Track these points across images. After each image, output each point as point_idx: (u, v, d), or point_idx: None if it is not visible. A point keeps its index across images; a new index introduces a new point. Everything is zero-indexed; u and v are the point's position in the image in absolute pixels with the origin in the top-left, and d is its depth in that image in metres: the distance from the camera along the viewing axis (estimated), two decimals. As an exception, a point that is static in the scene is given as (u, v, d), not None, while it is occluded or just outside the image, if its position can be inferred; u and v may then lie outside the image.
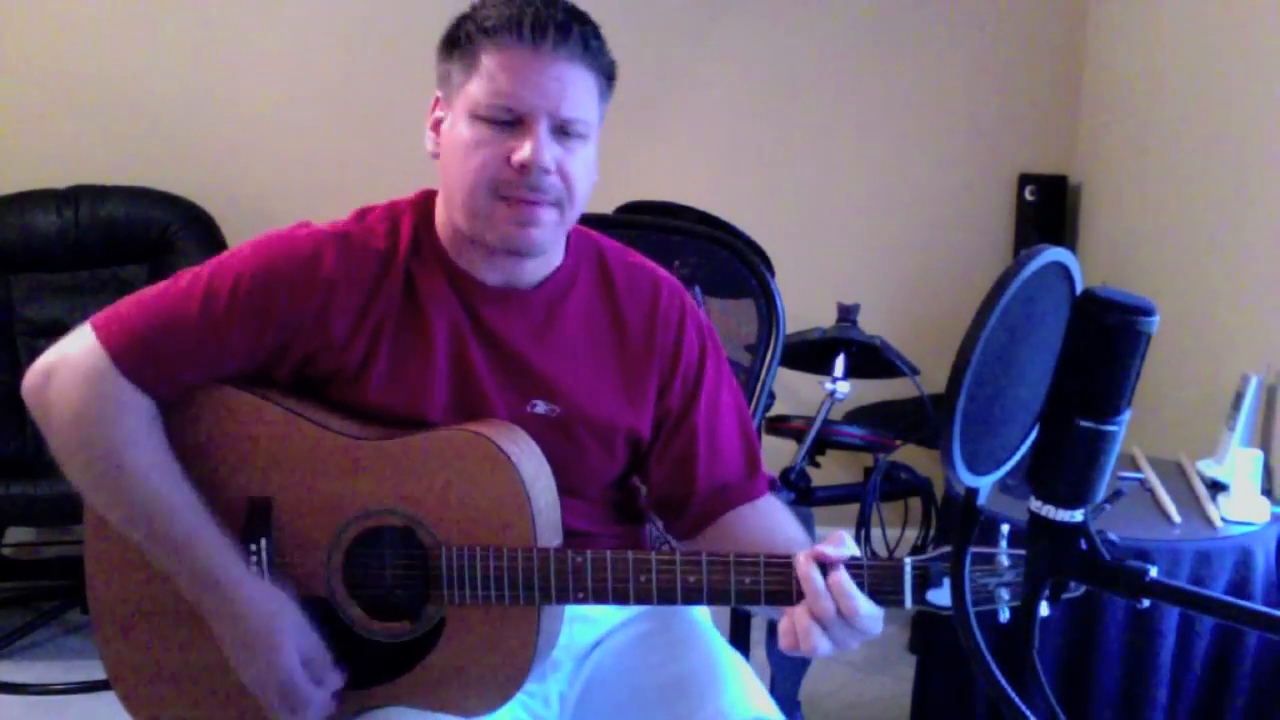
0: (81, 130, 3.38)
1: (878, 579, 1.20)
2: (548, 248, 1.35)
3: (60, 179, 3.20)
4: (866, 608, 1.18)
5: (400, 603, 1.31)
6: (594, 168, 1.35)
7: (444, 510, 1.29)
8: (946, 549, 1.19)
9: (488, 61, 1.27)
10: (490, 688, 1.30)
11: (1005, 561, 1.19)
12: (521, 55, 1.26)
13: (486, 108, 1.27)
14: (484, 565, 1.26)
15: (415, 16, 3.19)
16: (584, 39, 1.28)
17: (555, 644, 1.35)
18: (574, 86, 1.28)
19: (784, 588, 1.22)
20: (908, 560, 1.20)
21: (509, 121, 1.27)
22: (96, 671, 2.53)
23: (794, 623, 1.19)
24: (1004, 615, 1.19)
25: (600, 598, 1.27)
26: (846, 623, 1.18)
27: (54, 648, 2.95)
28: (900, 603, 1.19)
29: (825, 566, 1.19)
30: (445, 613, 1.30)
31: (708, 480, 1.42)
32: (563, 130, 1.29)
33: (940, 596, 1.19)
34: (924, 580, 1.20)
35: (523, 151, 1.26)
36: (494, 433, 1.30)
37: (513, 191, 1.28)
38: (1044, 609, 1.09)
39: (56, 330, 1.38)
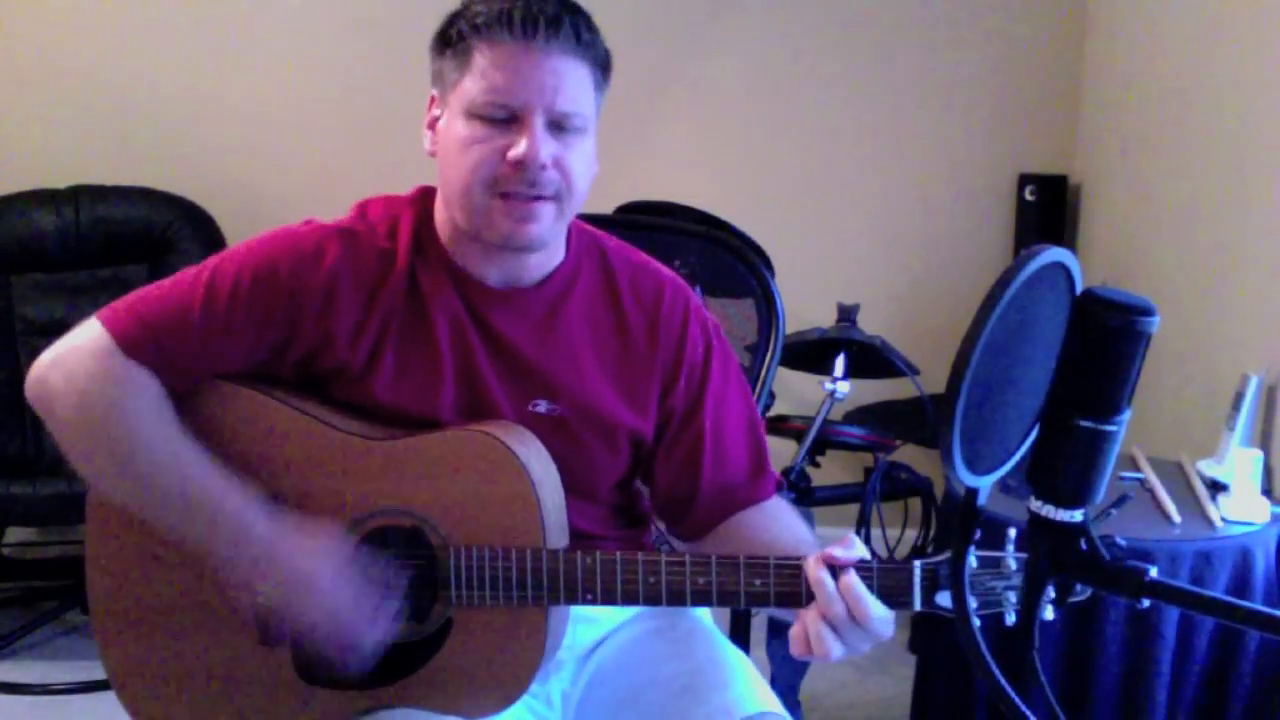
0: (81, 130, 3.38)
1: (887, 581, 1.20)
2: (547, 242, 1.34)
3: (60, 179, 3.20)
4: (878, 610, 1.18)
5: (408, 603, 1.30)
6: (593, 160, 1.34)
7: (452, 511, 1.28)
8: None
9: (480, 58, 1.27)
10: (497, 689, 1.29)
11: (1013, 565, 1.19)
12: (514, 50, 1.25)
13: (481, 105, 1.27)
14: (491, 566, 1.26)
15: (415, 16, 3.17)
16: (576, 31, 1.27)
17: (560, 645, 1.35)
18: (568, 80, 1.27)
19: (793, 590, 1.22)
20: (917, 563, 1.20)
21: (504, 119, 1.27)
22: (96, 671, 2.53)
23: (805, 628, 1.19)
24: (1010, 619, 1.19)
25: (609, 598, 1.26)
26: (858, 626, 1.18)
27: (54, 648, 2.94)
28: (909, 605, 1.20)
29: (835, 569, 1.19)
30: (453, 614, 1.29)
31: (713, 482, 1.41)
32: (559, 125, 1.28)
33: (949, 599, 1.19)
34: (933, 583, 1.20)
35: (518, 148, 1.25)
36: (502, 433, 1.29)
37: (510, 187, 1.27)
38: (1049, 613, 1.09)
39: (56, 330, 1.37)
